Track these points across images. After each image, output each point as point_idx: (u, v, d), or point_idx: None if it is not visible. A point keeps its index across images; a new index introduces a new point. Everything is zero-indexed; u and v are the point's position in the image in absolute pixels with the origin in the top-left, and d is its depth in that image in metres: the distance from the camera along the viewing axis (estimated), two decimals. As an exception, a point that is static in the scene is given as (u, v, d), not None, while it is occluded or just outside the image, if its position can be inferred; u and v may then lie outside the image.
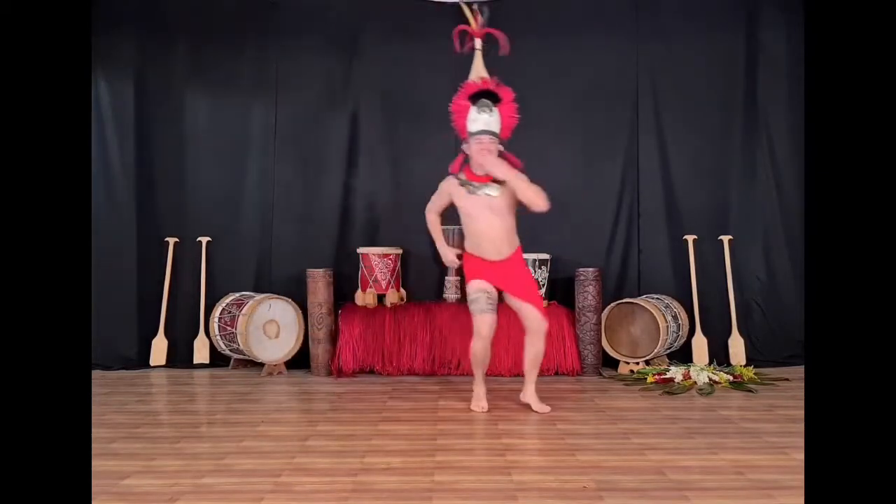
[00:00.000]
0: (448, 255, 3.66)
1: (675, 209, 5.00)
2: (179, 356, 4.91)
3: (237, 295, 4.80)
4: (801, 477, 2.26)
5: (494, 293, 3.48)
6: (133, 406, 3.69)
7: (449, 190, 3.54)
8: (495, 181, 3.42)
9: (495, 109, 3.45)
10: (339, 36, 5.06)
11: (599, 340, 4.58)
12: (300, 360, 4.71)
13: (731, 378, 4.20)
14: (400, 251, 4.79)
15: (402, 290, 4.80)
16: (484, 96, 3.46)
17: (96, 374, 4.51)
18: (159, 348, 4.86)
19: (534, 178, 3.38)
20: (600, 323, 4.59)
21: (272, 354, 4.65)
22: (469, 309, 3.49)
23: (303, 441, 2.96)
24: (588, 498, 2.27)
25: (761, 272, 4.94)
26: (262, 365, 4.63)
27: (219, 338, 4.71)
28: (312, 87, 5.06)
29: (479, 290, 3.44)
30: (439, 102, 4.88)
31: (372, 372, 4.56)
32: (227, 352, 4.77)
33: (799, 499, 2.15)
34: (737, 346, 4.80)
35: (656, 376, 4.23)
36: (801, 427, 2.99)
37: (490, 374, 4.35)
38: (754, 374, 4.27)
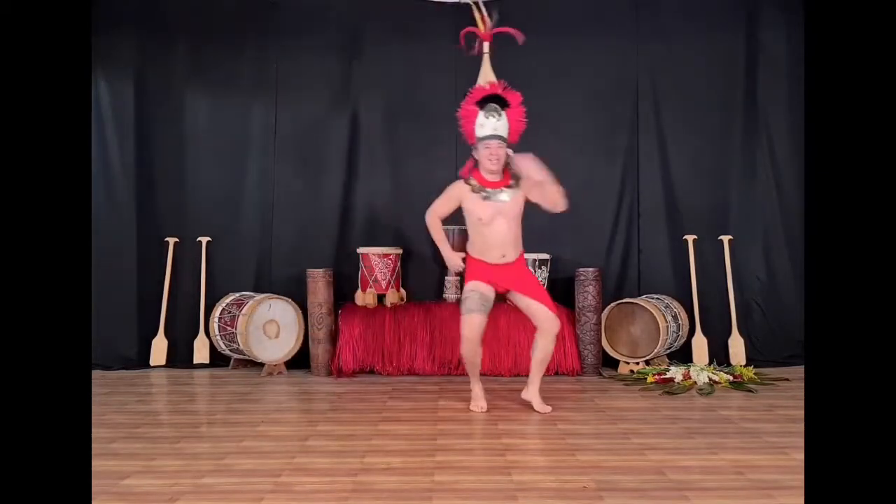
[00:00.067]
0: (454, 259, 3.58)
1: (675, 209, 5.00)
2: (179, 356, 4.91)
3: (237, 295, 4.80)
4: (801, 477, 2.26)
5: (489, 296, 3.45)
6: (133, 406, 3.69)
7: (459, 195, 3.49)
8: (508, 186, 3.43)
9: (503, 114, 3.44)
10: (339, 36, 5.06)
11: (599, 340, 4.58)
12: (300, 360, 4.71)
13: (731, 378, 4.20)
14: (400, 251, 4.79)
15: (402, 290, 4.80)
16: (492, 101, 3.45)
17: (96, 374, 4.51)
18: (159, 348, 4.86)
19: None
20: (600, 323, 4.59)
21: (272, 354, 4.65)
22: (460, 309, 3.48)
23: (303, 441, 2.96)
24: (588, 498, 2.27)
25: (761, 272, 4.94)
26: (262, 365, 4.64)
27: (219, 338, 4.71)
28: (312, 87, 5.06)
29: (473, 290, 3.43)
30: (439, 103, 4.93)
31: (372, 372, 4.56)
32: (227, 352, 4.77)
33: (799, 499, 2.15)
34: (737, 346, 4.80)
35: (656, 376, 4.23)
36: (801, 427, 2.98)
37: (490, 374, 4.36)
38: (754, 374, 4.27)
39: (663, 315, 4.50)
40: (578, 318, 4.57)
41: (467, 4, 4.16)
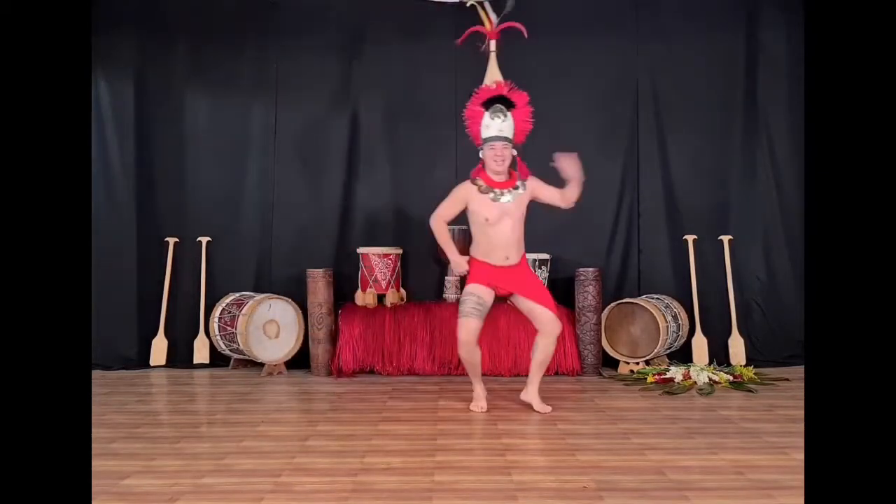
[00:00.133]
0: (461, 263, 3.54)
1: (675, 209, 5.00)
2: (179, 356, 4.91)
3: (237, 295, 4.80)
4: (801, 477, 2.26)
5: (487, 300, 3.43)
6: (133, 406, 3.69)
7: (466, 196, 3.47)
8: (514, 188, 3.43)
9: (509, 114, 3.44)
10: (339, 36, 5.06)
11: (599, 340, 4.58)
12: (300, 360, 4.71)
13: (731, 378, 4.20)
14: (400, 251, 4.79)
15: (402, 290, 4.80)
16: (497, 101, 3.44)
17: (96, 374, 4.51)
18: (159, 348, 4.86)
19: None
20: (600, 323, 4.59)
21: (272, 354, 4.65)
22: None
23: (303, 441, 2.96)
24: (588, 498, 2.27)
25: (761, 272, 4.94)
26: (262, 365, 4.64)
27: (219, 338, 4.71)
28: (312, 87, 5.06)
29: (471, 293, 3.42)
30: (439, 102, 4.94)
31: (372, 372, 4.56)
32: (227, 352, 4.77)
33: (799, 499, 2.15)
34: (737, 346, 4.80)
35: (656, 376, 4.23)
36: (801, 427, 2.98)
37: (490, 374, 4.36)
38: (754, 374, 4.27)
39: (663, 315, 4.50)
40: (578, 318, 4.57)
41: (467, 4, 4.16)
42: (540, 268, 4.62)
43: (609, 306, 4.69)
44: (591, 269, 4.57)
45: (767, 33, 4.95)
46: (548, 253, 4.71)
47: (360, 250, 4.72)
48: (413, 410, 3.56)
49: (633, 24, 5.03)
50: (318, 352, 4.56)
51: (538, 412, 3.45)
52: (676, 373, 4.24)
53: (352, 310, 4.66)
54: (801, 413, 3.24)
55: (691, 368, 4.28)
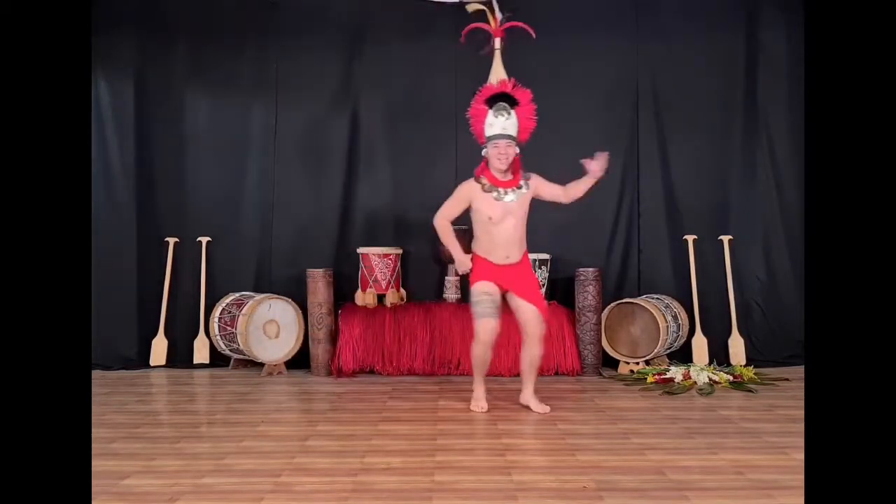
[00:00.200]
0: (465, 262, 3.53)
1: (675, 209, 5.00)
2: (179, 356, 4.91)
3: (237, 295, 4.80)
4: (801, 477, 2.26)
5: (499, 297, 3.45)
6: (133, 406, 3.69)
7: (469, 195, 3.47)
8: (518, 186, 3.44)
9: (513, 112, 3.43)
10: (340, 36, 5.06)
11: (599, 340, 4.58)
12: (300, 360, 4.71)
13: (731, 378, 4.20)
14: (400, 251, 4.79)
15: (402, 290, 4.80)
16: (501, 99, 3.44)
17: (96, 374, 4.51)
18: (159, 348, 4.86)
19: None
20: (600, 323, 4.59)
21: (272, 354, 4.65)
22: (471, 310, 3.48)
23: (303, 441, 2.96)
24: (588, 498, 2.27)
25: (761, 272, 4.94)
26: (262, 365, 4.63)
27: (219, 338, 4.71)
28: (312, 87, 5.06)
29: (484, 293, 3.42)
30: (439, 102, 4.93)
31: (372, 372, 4.56)
32: (227, 352, 4.77)
33: (799, 499, 2.15)
34: (737, 346, 4.80)
35: (656, 376, 4.23)
36: (801, 427, 2.98)
37: (490, 374, 4.33)
38: (754, 374, 4.27)
39: (663, 315, 4.50)
40: (578, 318, 4.57)
41: (467, 4, 4.15)
42: (540, 268, 4.62)
43: (609, 306, 4.69)
44: (591, 269, 4.57)
45: (767, 33, 4.95)
46: (548, 253, 4.71)
47: (360, 250, 4.72)
48: (413, 410, 3.56)
49: (633, 24, 5.03)
50: (318, 352, 4.56)
51: (537, 412, 3.45)
52: (676, 373, 4.24)
53: (352, 310, 4.66)
54: (801, 413, 3.24)
55: (691, 368, 4.28)
